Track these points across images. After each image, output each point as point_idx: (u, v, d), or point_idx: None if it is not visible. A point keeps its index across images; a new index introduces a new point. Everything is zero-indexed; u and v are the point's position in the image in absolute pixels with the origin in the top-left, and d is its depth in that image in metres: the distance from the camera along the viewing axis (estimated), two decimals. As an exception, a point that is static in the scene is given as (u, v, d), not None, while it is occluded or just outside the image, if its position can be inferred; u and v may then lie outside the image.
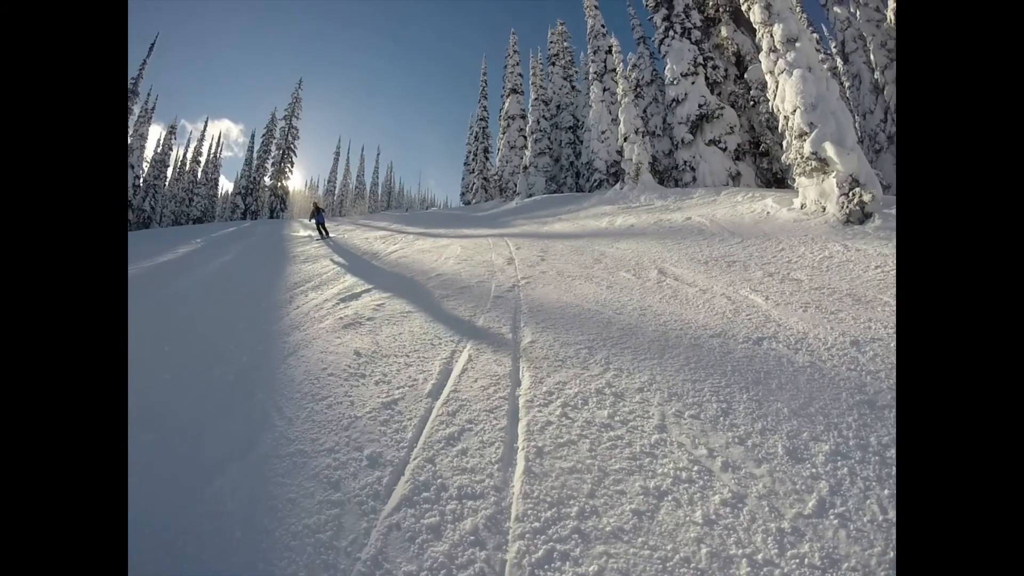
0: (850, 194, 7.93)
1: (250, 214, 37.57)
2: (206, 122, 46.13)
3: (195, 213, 40.10)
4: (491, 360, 3.86)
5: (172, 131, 41.05)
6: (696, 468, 2.42)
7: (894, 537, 1.95)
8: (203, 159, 44.06)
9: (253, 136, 40.79)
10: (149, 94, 36.51)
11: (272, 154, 38.06)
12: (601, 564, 1.93)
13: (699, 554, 1.94)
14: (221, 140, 45.54)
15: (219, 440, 2.98)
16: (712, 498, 2.22)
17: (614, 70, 24.44)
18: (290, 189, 39.06)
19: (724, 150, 16.51)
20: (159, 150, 39.53)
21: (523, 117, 32.22)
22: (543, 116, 29.47)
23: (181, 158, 44.73)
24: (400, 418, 3.10)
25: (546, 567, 1.93)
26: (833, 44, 24.04)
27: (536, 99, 29.99)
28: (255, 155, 39.57)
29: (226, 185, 53.56)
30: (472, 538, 2.10)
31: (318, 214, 16.94)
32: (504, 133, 32.63)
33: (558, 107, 30.36)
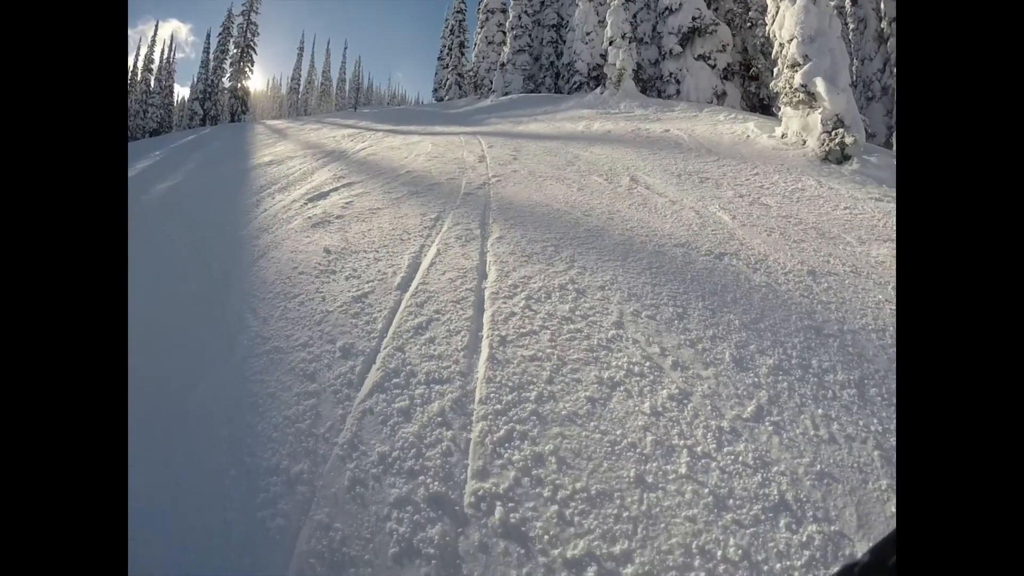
0: (833, 133, 7.91)
1: (210, 120, 35.35)
2: (156, 26, 42.05)
3: (151, 125, 37.35)
4: (459, 254, 3.88)
5: (121, 41, 37.46)
6: (648, 364, 2.56)
7: (823, 453, 2.11)
8: (155, 66, 40.60)
9: (208, 36, 37.34)
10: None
11: (230, 54, 35.18)
12: (556, 444, 2.07)
13: (645, 441, 2.10)
14: (173, 44, 41.79)
15: (199, 344, 3.01)
16: (660, 392, 2.37)
17: (608, -32, 23.12)
18: (251, 90, 36.60)
19: (713, 67, 16.12)
20: (103, 62, 36.25)
21: (503, 11, 30.49)
22: (525, 11, 27.92)
23: (131, 68, 41.02)
24: (370, 310, 3.14)
25: (507, 445, 2.07)
26: (846, -18, 23.15)
27: (519, -8, 28.31)
28: (211, 56, 36.50)
29: (181, 92, 49.73)
30: (439, 419, 2.22)
31: None
32: (482, 27, 30.94)
33: (542, 3, 28.75)
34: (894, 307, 3.33)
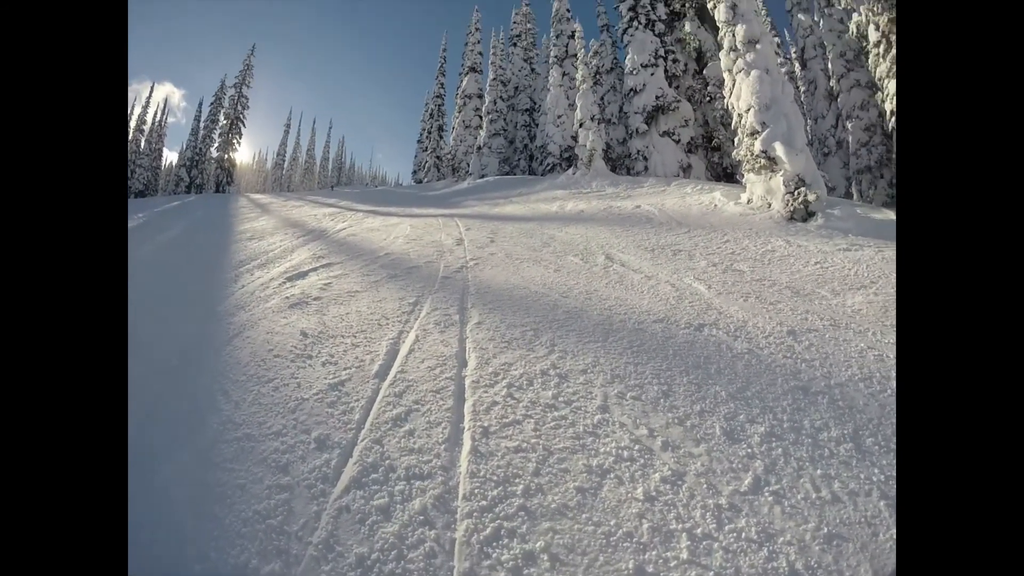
0: (795, 193, 8.21)
1: (195, 187, 35.94)
2: (151, 88, 43.37)
3: (137, 186, 37.84)
4: (438, 341, 3.83)
5: (118, 99, 38.73)
6: (637, 447, 2.49)
7: (828, 514, 2.06)
8: (147, 128, 41.54)
9: (200, 104, 38.59)
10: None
11: (220, 124, 36.27)
12: (547, 540, 1.96)
13: (641, 529, 2.00)
14: (166, 108, 42.88)
15: (165, 426, 2.87)
16: (652, 476, 2.29)
17: (575, 55, 24.34)
18: (238, 162, 37.47)
19: (677, 142, 16.82)
20: (99, 118, 37.41)
21: (480, 97, 31.89)
22: (500, 97, 29.23)
23: None
24: (347, 399, 3.05)
25: (494, 544, 1.96)
26: (794, 50, 24.74)
27: (494, 79, 29.67)
28: (202, 125, 37.60)
29: (169, 156, 50.84)
30: (421, 518, 2.11)
31: None
32: (460, 112, 32.22)
33: (516, 89, 30.21)
34: (877, 353, 3.39)
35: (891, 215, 8.27)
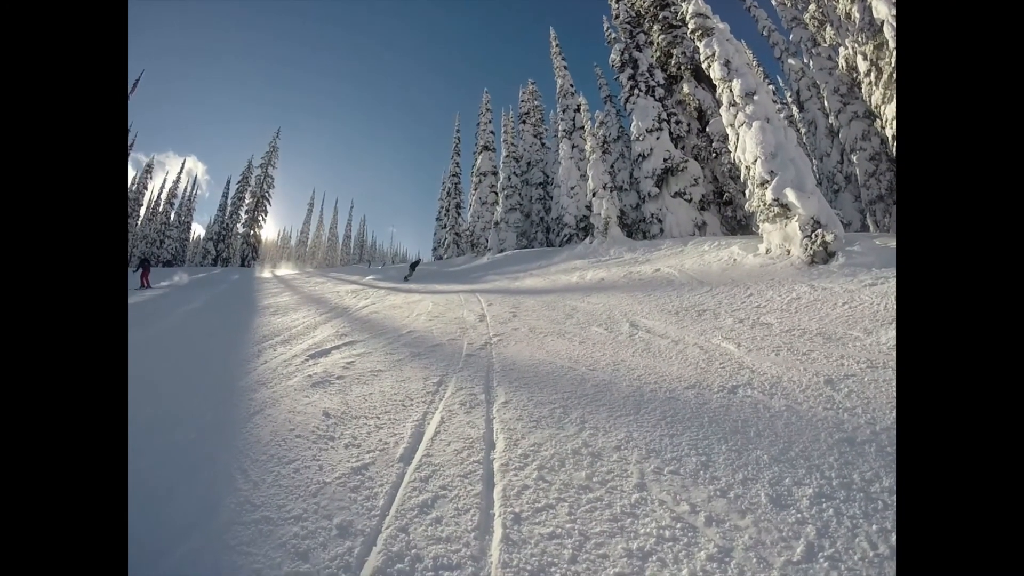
0: (813, 236, 8.17)
1: (221, 261, 37.26)
2: (183, 164, 45.83)
3: (165, 256, 39.43)
4: (464, 422, 3.75)
5: (148, 170, 40.70)
6: (679, 525, 2.34)
7: (889, 571, 1.92)
8: (177, 201, 43.44)
9: (228, 182, 40.63)
10: (128, 129, 36.84)
11: (246, 202, 38.12)
12: (586, 635, 1.82)
13: (688, 616, 1.86)
14: (195, 182, 44.89)
15: (181, 503, 2.80)
16: (698, 555, 2.14)
17: (582, 127, 25.27)
18: (263, 238, 38.95)
19: (689, 201, 17.00)
20: (134, 188, 39.22)
21: (495, 174, 32.93)
22: (514, 172, 30.13)
23: (155, 198, 43.77)
24: (371, 484, 2.95)
25: (528, 641, 1.82)
26: (789, 94, 25.22)
27: (507, 156, 30.72)
28: (229, 201, 39.48)
29: (197, 229, 52.84)
30: (450, 613, 1.98)
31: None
32: (476, 189, 33.22)
33: (528, 164, 31.15)
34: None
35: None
